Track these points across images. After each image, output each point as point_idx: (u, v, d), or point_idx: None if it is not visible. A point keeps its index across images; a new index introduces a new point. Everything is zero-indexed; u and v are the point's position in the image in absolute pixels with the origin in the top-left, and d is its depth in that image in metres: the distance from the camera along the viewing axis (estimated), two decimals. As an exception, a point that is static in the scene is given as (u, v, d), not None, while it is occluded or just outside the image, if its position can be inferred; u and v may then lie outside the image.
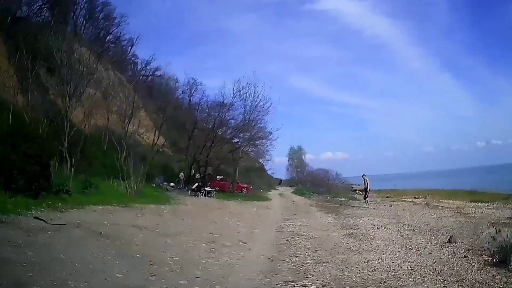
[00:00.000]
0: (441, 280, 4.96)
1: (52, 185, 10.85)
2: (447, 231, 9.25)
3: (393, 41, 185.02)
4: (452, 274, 5.30)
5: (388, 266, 5.68)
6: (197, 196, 21.51)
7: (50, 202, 9.59)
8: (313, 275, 5.26)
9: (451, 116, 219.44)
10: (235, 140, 28.68)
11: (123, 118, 24.85)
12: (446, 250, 6.99)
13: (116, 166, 15.49)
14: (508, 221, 10.29)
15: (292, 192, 38.28)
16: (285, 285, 4.83)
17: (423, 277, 5.11)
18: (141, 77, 42.26)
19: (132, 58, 44.19)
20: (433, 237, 8.44)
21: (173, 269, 5.19)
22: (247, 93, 26.35)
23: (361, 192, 28.99)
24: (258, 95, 26.16)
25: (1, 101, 18.77)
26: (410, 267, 5.60)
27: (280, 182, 55.90)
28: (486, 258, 6.33)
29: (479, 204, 16.83)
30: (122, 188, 15.27)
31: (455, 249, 7.09)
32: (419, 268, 5.58)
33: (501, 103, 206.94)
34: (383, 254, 6.48)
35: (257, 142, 28.42)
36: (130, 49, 42.47)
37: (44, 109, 18.33)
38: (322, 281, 4.98)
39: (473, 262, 6.04)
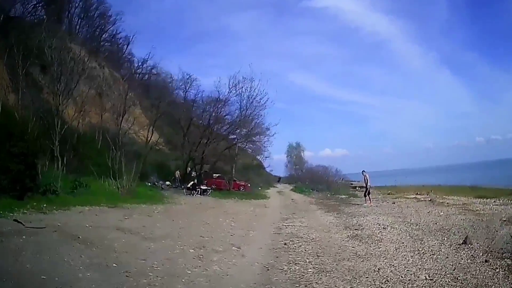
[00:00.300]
0: (467, 293, 4.22)
1: (39, 185, 10.54)
2: (458, 230, 8.60)
3: (393, 38, 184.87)
4: (478, 284, 4.56)
5: (403, 275, 4.88)
6: (192, 195, 20.78)
7: (35, 203, 9.28)
8: (315, 288, 4.48)
9: (450, 112, 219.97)
10: (232, 136, 27.89)
11: (116, 115, 24.34)
12: (464, 253, 6.27)
13: (113, 165, 15.05)
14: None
15: (291, 190, 37.54)
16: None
17: (445, 288, 4.37)
18: (137, 75, 41.96)
19: (128, 56, 43.85)
20: (445, 238, 7.73)
21: (151, 283, 4.41)
22: (243, 88, 25.50)
23: (360, 189, 28.46)
24: (254, 90, 25.30)
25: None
26: (428, 276, 4.83)
27: (278, 179, 55.24)
28: (510, 263, 5.62)
29: (485, 200, 16.24)
30: (114, 188, 14.68)
31: (472, 252, 6.37)
32: (439, 277, 4.81)
33: (501, 99, 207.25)
34: (395, 260, 5.68)
35: (254, 138, 27.62)
36: (126, 47, 42.15)
37: (35, 108, 17.80)
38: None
39: (497, 268, 5.34)
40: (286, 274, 5.10)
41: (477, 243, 7.00)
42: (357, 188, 32.11)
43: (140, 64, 42.50)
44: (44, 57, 18.63)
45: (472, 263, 5.62)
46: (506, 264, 5.55)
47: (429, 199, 18.04)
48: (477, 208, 13.00)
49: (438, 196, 18.81)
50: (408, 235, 8.07)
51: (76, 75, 20.07)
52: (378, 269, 5.17)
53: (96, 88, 26.06)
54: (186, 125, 28.05)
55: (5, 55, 20.03)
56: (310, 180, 41.74)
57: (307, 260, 5.77)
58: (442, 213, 11.93)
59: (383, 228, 9.05)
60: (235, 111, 26.80)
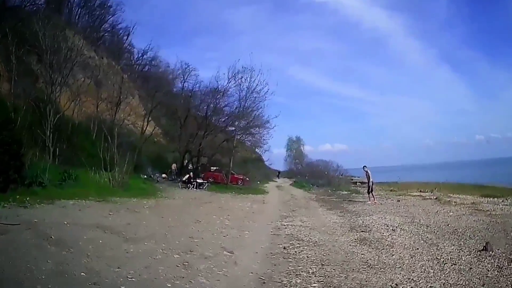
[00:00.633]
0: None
1: (24, 177, 10.00)
2: (473, 233, 7.85)
3: (393, 34, 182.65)
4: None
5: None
6: (188, 188, 20.03)
7: (18, 196, 8.71)
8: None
9: (450, 110, 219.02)
10: (230, 128, 26.96)
11: (112, 105, 23.53)
12: (488, 263, 5.50)
13: (104, 157, 14.37)
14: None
15: (291, 185, 36.76)
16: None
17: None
18: (137, 66, 41.20)
19: (128, 47, 42.96)
20: (462, 243, 6.96)
21: (121, 300, 3.61)
22: (243, 78, 24.48)
23: (361, 184, 27.69)
24: (254, 80, 24.29)
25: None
26: (456, 295, 4.04)
27: (278, 173, 54.42)
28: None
29: (493, 199, 15.52)
30: (105, 180, 13.97)
31: (497, 261, 5.60)
32: (468, 296, 4.03)
33: (500, 97, 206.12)
34: (413, 272, 4.85)
35: (253, 130, 26.71)
36: (127, 38, 41.30)
37: (27, 96, 17.06)
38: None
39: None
40: (285, 288, 4.27)
41: (499, 250, 6.25)
42: (357, 183, 31.44)
43: (140, 55, 41.88)
44: (39, 45, 18.00)
45: (501, 277, 4.84)
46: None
47: (435, 197, 17.29)
48: (487, 208, 12.25)
49: (443, 194, 18.06)
50: (420, 238, 7.28)
51: (70, 63, 19.43)
52: (396, 284, 4.34)
53: (92, 78, 25.16)
54: (183, 116, 27.16)
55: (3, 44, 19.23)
56: (310, 175, 40.94)
57: (310, 271, 4.93)
58: (451, 213, 11.18)
59: (392, 230, 8.26)
60: (234, 102, 25.84)
